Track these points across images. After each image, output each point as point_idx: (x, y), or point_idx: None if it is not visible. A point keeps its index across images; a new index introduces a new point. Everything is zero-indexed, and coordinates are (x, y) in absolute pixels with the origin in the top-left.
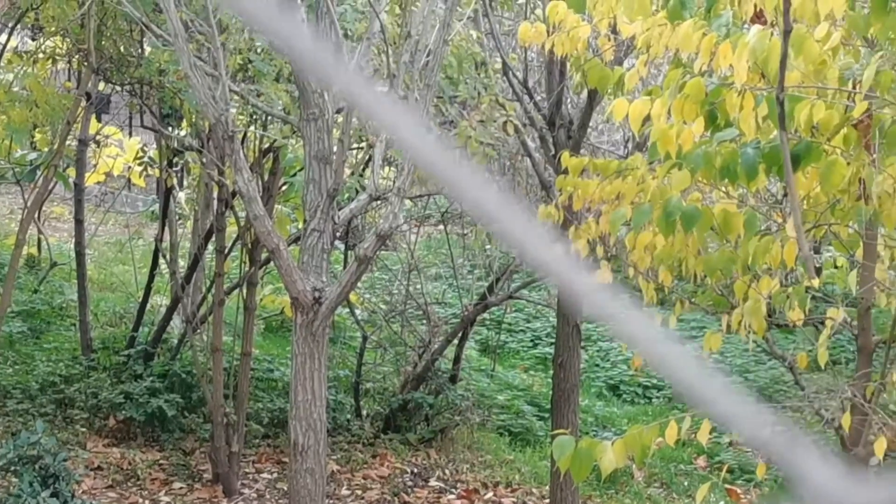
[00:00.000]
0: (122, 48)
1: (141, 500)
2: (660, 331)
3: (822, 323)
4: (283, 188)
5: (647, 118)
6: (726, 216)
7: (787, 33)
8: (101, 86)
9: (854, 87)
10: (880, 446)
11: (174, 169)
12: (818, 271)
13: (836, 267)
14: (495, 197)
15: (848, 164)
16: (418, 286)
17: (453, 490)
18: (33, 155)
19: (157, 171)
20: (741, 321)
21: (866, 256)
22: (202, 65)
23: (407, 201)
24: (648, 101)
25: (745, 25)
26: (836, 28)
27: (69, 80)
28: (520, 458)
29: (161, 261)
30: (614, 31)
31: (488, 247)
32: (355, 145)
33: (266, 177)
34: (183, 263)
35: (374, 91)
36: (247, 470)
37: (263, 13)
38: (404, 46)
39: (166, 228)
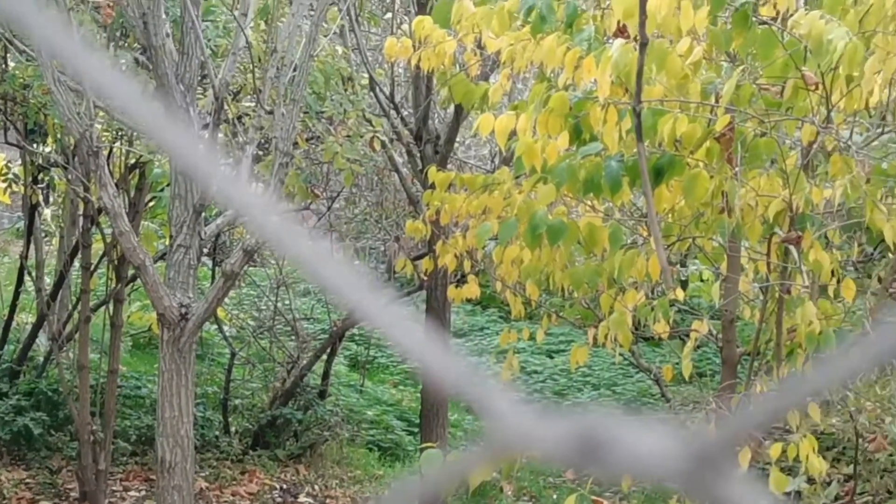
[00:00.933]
0: None
1: None
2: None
3: (688, 335)
4: (150, 204)
5: (513, 133)
6: (591, 230)
7: (643, 45)
8: None
9: (716, 101)
10: (744, 457)
11: (39, 185)
12: (684, 284)
13: (702, 280)
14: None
15: (711, 177)
16: (287, 302)
17: None
18: None
19: (21, 187)
20: (608, 334)
21: (730, 269)
22: (66, 80)
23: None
24: (514, 115)
25: (609, 40)
26: (698, 43)
27: None
28: (389, 473)
29: (27, 278)
30: (480, 46)
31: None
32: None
33: (132, 193)
34: (49, 281)
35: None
36: (114, 488)
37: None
38: (270, 62)
39: (32, 245)
